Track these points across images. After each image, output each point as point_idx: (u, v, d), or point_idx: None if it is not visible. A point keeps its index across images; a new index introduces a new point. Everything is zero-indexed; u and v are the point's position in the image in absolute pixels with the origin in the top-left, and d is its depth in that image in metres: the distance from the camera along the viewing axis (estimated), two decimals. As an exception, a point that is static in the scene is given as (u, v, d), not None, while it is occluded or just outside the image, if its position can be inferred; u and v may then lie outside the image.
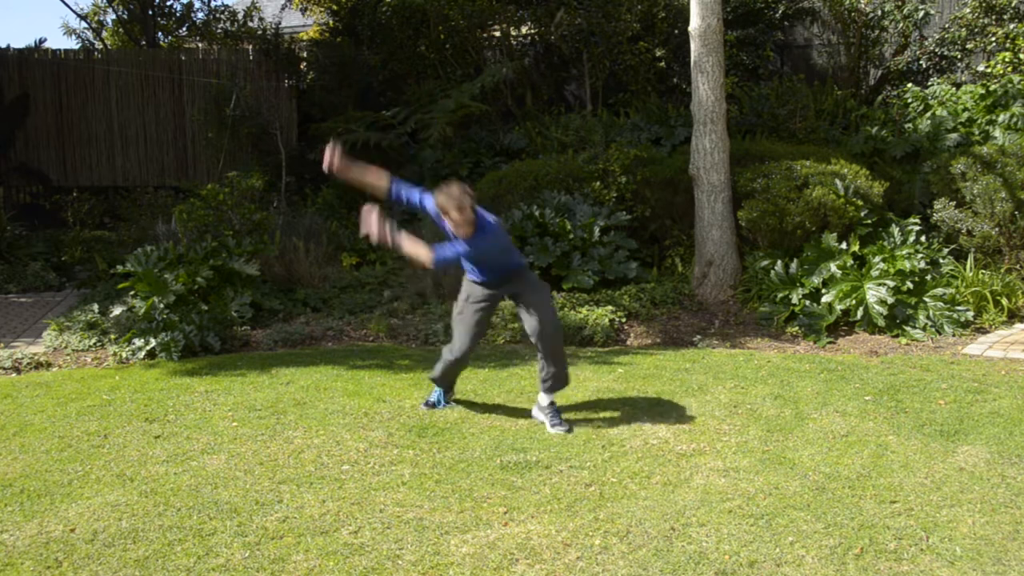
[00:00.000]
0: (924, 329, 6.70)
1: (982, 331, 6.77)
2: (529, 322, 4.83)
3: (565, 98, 11.68)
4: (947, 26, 10.00)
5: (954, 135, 8.43)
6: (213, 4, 14.72)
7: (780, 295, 7.11)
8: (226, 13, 13.93)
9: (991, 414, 4.85)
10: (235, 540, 3.54)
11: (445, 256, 4.61)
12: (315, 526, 3.65)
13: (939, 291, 6.83)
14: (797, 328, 6.86)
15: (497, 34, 11.77)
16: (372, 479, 4.14)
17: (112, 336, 6.78)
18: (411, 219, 9.57)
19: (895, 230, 7.26)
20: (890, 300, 6.70)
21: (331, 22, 12.78)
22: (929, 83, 9.72)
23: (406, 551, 3.43)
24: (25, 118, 12.43)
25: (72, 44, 17.72)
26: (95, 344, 6.79)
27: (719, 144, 7.64)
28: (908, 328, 6.69)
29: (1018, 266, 7.31)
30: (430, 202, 4.71)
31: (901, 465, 4.17)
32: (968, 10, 9.78)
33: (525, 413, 5.08)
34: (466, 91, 10.44)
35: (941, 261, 7.25)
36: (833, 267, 7.01)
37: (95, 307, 7.46)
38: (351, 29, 12.12)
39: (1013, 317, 6.99)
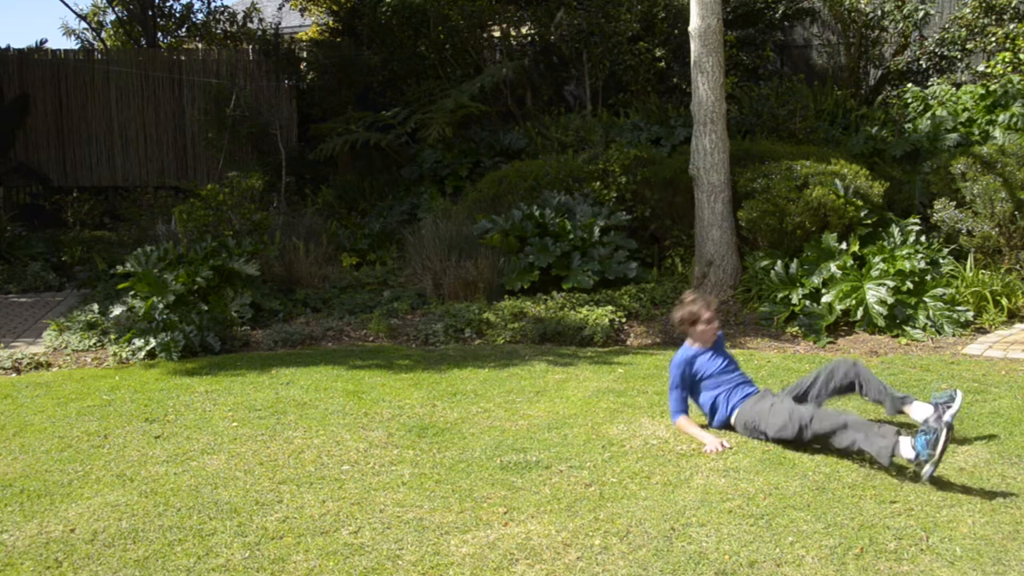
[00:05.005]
0: (924, 329, 6.70)
1: (982, 331, 6.77)
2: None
3: (565, 98, 11.68)
4: (947, 26, 10.00)
5: (954, 135, 8.43)
6: (213, 5, 14.73)
7: (780, 295, 7.11)
8: (226, 14, 13.94)
9: (991, 414, 4.84)
10: (235, 540, 3.53)
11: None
12: (315, 526, 3.65)
13: (939, 291, 6.83)
14: (797, 328, 6.86)
15: (497, 34, 11.77)
16: (372, 479, 4.13)
17: (112, 336, 6.78)
18: (410, 219, 9.59)
19: (895, 230, 7.26)
20: (890, 300, 6.70)
21: (331, 22, 12.79)
22: (929, 83, 9.72)
23: (406, 551, 3.43)
24: (25, 118, 12.44)
25: (72, 44, 17.73)
26: (95, 344, 6.79)
27: (719, 144, 7.64)
28: (908, 328, 6.69)
29: (1018, 266, 7.31)
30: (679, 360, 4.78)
31: (901, 465, 4.16)
32: (968, 10, 9.79)
33: (525, 413, 5.08)
34: (466, 91, 10.44)
35: (941, 261, 7.25)
36: (833, 267, 7.01)
37: (95, 307, 7.46)
38: (351, 29, 12.13)
39: (1013, 317, 6.99)
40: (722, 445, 4.39)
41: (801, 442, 4.30)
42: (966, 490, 3.88)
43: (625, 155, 8.58)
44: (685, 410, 4.69)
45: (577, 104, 11.37)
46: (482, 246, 7.90)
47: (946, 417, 4.09)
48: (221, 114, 11.76)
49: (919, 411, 4.42)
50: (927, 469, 3.83)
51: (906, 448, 3.92)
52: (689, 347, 4.79)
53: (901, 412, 4.52)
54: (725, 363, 4.76)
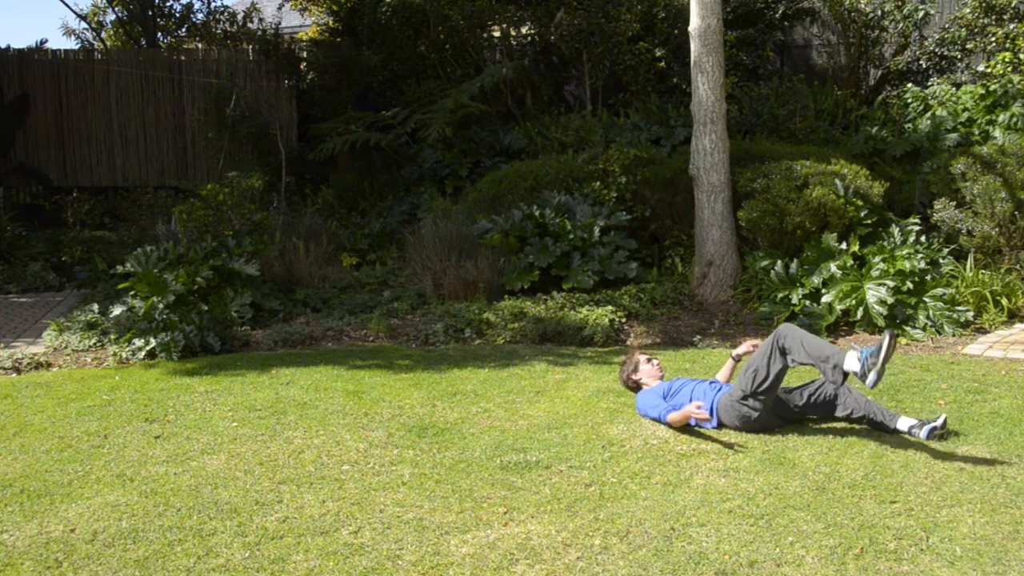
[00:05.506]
0: (924, 329, 6.70)
1: (982, 331, 6.77)
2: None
3: (565, 98, 11.68)
4: (947, 26, 10.00)
5: (954, 135, 8.43)
6: (213, 5, 14.74)
7: (780, 295, 7.11)
8: (226, 14, 13.94)
9: (991, 414, 4.85)
10: (235, 540, 3.53)
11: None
12: (315, 526, 3.65)
13: (939, 291, 6.83)
14: (797, 328, 6.85)
15: (497, 34, 11.77)
16: (372, 479, 4.14)
17: (112, 336, 6.78)
18: (410, 219, 9.59)
19: (895, 230, 7.26)
20: (890, 300, 6.70)
21: (331, 22, 12.79)
22: (929, 83, 9.72)
23: (406, 551, 3.43)
24: (25, 118, 12.43)
25: (72, 44, 17.74)
26: (95, 344, 6.79)
27: (719, 144, 7.64)
28: (908, 328, 6.69)
29: (1018, 266, 7.31)
30: (643, 401, 4.99)
31: (901, 465, 4.17)
32: (968, 10, 9.79)
33: (525, 413, 5.08)
34: (466, 91, 10.44)
35: (941, 261, 7.25)
36: (833, 267, 7.01)
37: (95, 307, 7.46)
38: (351, 29, 12.13)
39: (1013, 317, 6.99)
40: (697, 407, 4.48)
41: (779, 361, 4.49)
42: (966, 490, 3.88)
43: (625, 155, 8.58)
44: (670, 408, 4.77)
45: (577, 104, 11.37)
46: (482, 246, 7.90)
47: (887, 341, 4.27)
48: (221, 114, 11.76)
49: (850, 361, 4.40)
50: (871, 377, 4.17)
51: (851, 361, 4.25)
52: (645, 388, 5.14)
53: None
54: (680, 380, 5.08)
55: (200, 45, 14.12)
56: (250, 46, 12.79)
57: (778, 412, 4.69)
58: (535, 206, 8.20)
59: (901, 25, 9.97)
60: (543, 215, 8.06)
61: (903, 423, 4.57)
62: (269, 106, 11.62)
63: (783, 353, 4.46)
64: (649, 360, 5.26)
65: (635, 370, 5.24)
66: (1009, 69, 9.19)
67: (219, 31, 13.85)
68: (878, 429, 4.64)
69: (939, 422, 4.48)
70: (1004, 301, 6.95)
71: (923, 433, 4.43)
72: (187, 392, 5.59)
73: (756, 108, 9.78)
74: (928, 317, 6.76)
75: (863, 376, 4.21)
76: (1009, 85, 8.63)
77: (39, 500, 3.97)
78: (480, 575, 3.27)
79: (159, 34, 14.09)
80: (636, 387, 5.28)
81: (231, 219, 8.22)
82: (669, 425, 4.68)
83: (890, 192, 7.84)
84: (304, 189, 11.14)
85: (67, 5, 29.14)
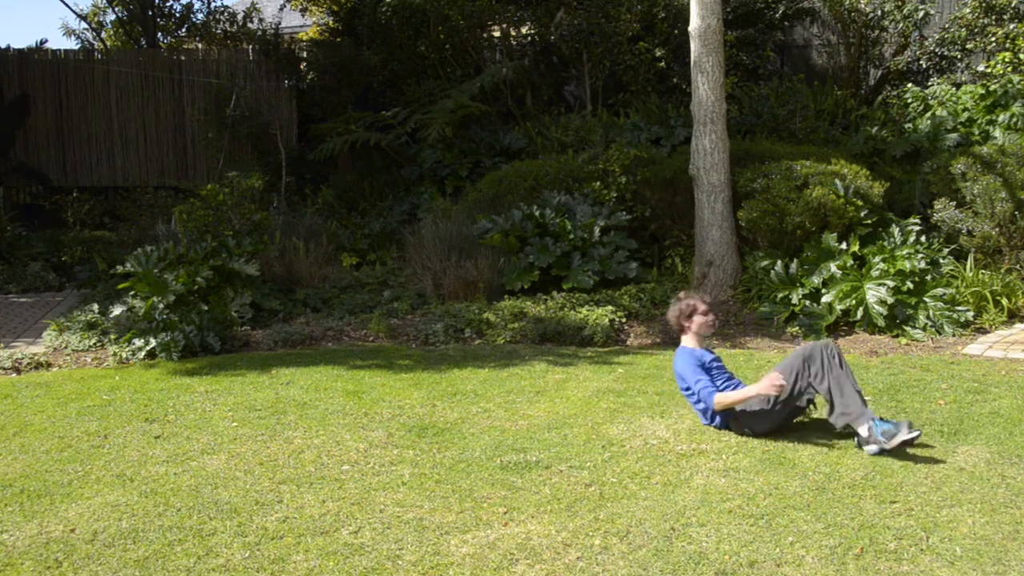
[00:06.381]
0: (924, 329, 6.70)
1: (982, 331, 6.77)
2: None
3: (565, 98, 11.68)
4: (947, 26, 10.00)
5: (954, 135, 8.43)
6: (213, 5, 14.74)
7: (780, 295, 7.11)
8: (226, 14, 13.95)
9: (991, 414, 4.85)
10: (235, 540, 3.54)
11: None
12: (315, 526, 3.65)
13: (939, 291, 6.83)
14: (797, 328, 6.86)
15: (497, 34, 11.77)
16: (372, 479, 4.14)
17: (112, 336, 6.78)
18: (410, 219, 9.59)
19: (895, 230, 7.26)
20: (890, 300, 6.70)
21: (331, 22, 12.79)
22: (929, 83, 9.72)
23: (406, 551, 3.43)
24: (25, 118, 12.43)
25: (72, 44, 17.74)
26: (95, 344, 6.79)
27: (719, 144, 7.64)
28: (908, 328, 6.69)
29: (1018, 266, 7.31)
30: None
31: (901, 465, 4.17)
32: (968, 10, 9.79)
33: (525, 413, 5.08)
34: (466, 91, 10.44)
35: (941, 261, 7.25)
36: (833, 267, 7.01)
37: (95, 307, 7.46)
38: (351, 29, 12.13)
39: (1013, 317, 6.99)
40: (773, 384, 4.31)
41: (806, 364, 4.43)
42: (966, 490, 3.88)
43: (625, 155, 8.58)
44: (715, 389, 4.60)
45: (577, 104, 11.37)
46: (482, 246, 7.90)
47: (905, 435, 4.18)
48: (221, 114, 11.76)
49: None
50: (871, 448, 4.26)
51: (863, 426, 4.28)
52: (687, 347, 4.86)
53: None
54: (719, 362, 4.89)
55: (200, 45, 14.12)
56: (250, 46, 12.79)
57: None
58: (535, 206, 8.20)
59: (901, 25, 9.96)
60: (543, 215, 8.06)
61: (863, 430, 4.35)
62: (269, 106, 11.62)
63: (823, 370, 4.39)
64: (707, 312, 4.81)
65: (690, 316, 4.80)
66: (1009, 69, 9.19)
67: (219, 31, 13.85)
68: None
69: (896, 441, 4.19)
70: (1004, 301, 6.95)
71: (869, 450, 4.30)
72: (187, 392, 5.59)
73: (756, 108, 9.78)
74: (928, 317, 6.76)
75: (861, 444, 4.32)
76: (1009, 85, 8.63)
77: (39, 500, 3.97)
78: (480, 575, 3.27)
79: (159, 34, 14.09)
80: (681, 330, 4.90)
81: (231, 219, 8.22)
82: (715, 403, 4.53)
83: (890, 192, 7.84)
84: (304, 189, 11.14)
85: (67, 5, 29.20)
